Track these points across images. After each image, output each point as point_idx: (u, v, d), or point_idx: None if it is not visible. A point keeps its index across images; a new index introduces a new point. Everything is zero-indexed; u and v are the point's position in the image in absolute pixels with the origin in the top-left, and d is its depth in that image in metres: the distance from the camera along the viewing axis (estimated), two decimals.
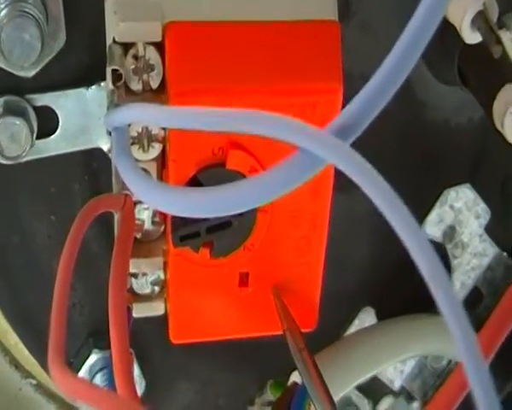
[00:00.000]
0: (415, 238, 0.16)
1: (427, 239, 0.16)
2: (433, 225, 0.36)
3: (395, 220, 0.16)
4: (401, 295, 0.38)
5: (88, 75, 0.29)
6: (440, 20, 0.17)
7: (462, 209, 0.36)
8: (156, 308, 0.31)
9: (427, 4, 0.16)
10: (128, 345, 0.23)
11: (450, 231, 0.36)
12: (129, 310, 0.29)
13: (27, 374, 0.36)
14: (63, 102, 0.29)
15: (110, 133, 0.25)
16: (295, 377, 0.32)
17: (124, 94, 0.25)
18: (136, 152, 0.27)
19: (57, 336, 0.21)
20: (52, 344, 0.21)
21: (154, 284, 0.30)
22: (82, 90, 0.29)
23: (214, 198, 0.18)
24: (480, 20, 0.27)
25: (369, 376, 0.34)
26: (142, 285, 0.30)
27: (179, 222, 0.26)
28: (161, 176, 0.28)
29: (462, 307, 0.16)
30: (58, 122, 0.29)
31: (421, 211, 0.36)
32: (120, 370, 0.22)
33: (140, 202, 0.28)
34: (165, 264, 0.29)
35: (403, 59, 0.16)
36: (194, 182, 0.26)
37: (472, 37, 0.28)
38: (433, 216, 0.36)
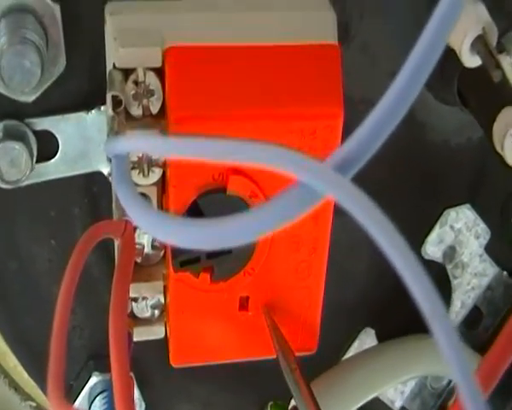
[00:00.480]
0: (416, 279, 0.15)
1: (427, 277, 0.16)
2: (434, 246, 0.36)
3: (397, 261, 0.16)
4: (401, 315, 0.38)
5: (88, 99, 0.29)
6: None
7: (463, 230, 0.36)
8: (156, 332, 0.30)
9: (427, 39, 0.16)
10: (128, 369, 0.23)
11: (451, 252, 0.36)
12: (129, 335, 0.29)
13: (27, 397, 0.36)
14: (63, 127, 0.29)
15: (110, 159, 0.25)
16: None
17: (124, 119, 0.25)
18: (137, 177, 0.27)
19: (56, 366, 0.21)
20: (51, 375, 0.21)
21: (154, 307, 0.30)
22: (82, 114, 0.29)
23: (214, 231, 0.18)
24: (480, 44, 0.27)
25: (370, 398, 0.34)
26: (143, 309, 0.30)
27: (179, 248, 0.26)
28: (161, 200, 0.28)
29: (460, 345, 0.16)
30: (58, 146, 0.29)
31: (421, 231, 0.36)
32: (121, 394, 0.22)
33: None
34: (166, 288, 0.29)
35: (405, 90, 0.16)
36: (195, 207, 0.26)
37: (471, 60, 0.28)
38: (433, 236, 0.36)
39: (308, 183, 0.17)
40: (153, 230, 0.19)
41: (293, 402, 0.32)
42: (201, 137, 0.19)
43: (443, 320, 0.16)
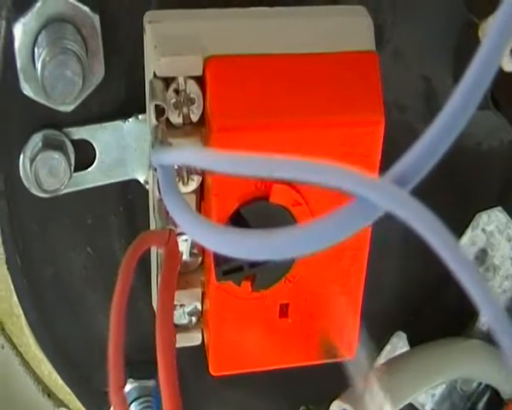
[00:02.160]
0: (483, 295, 0.16)
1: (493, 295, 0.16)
2: (466, 249, 0.36)
3: (461, 275, 0.16)
4: (432, 318, 0.38)
5: (125, 108, 0.29)
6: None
7: (494, 232, 0.36)
8: (193, 339, 0.30)
9: (485, 54, 0.16)
10: (176, 377, 0.23)
11: (482, 255, 0.36)
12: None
13: (60, 403, 0.36)
14: (100, 135, 0.29)
15: (152, 168, 0.25)
16: (335, 407, 0.32)
17: (165, 128, 0.25)
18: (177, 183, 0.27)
19: (116, 372, 0.21)
20: (112, 382, 0.21)
21: (191, 314, 0.30)
22: (119, 122, 0.29)
23: (269, 243, 0.18)
24: None
25: (404, 404, 0.34)
26: (180, 316, 0.30)
27: (223, 257, 0.26)
28: (199, 208, 0.28)
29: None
30: (95, 155, 0.29)
31: (453, 234, 0.36)
32: (169, 401, 0.22)
33: (179, 234, 0.28)
34: (204, 295, 0.29)
35: (464, 106, 0.16)
36: (237, 216, 0.26)
37: (510, 65, 0.28)
38: (465, 240, 0.36)
39: (367, 198, 0.17)
40: (205, 240, 0.19)
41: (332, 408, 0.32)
42: (250, 155, 0.19)
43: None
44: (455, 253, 0.16)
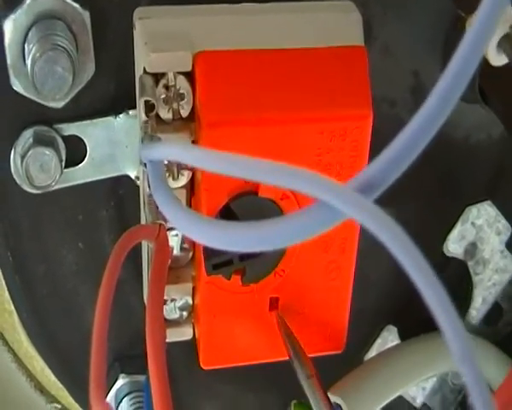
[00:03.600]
0: (438, 301, 0.16)
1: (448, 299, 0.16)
2: (455, 243, 0.36)
3: (419, 281, 0.16)
4: (423, 311, 0.38)
5: (115, 104, 0.29)
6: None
7: (484, 226, 0.36)
8: (184, 333, 0.31)
9: (459, 62, 0.16)
10: (166, 372, 0.23)
11: (472, 248, 0.37)
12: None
13: (52, 399, 0.36)
14: (91, 131, 0.29)
15: (143, 163, 0.25)
16: None
17: (155, 123, 0.25)
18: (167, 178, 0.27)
19: (98, 367, 0.21)
20: (93, 376, 0.21)
21: (182, 309, 0.30)
22: (110, 118, 0.29)
23: (258, 234, 0.18)
24: (507, 43, 0.27)
25: (394, 397, 0.34)
26: (171, 311, 0.30)
27: (212, 250, 0.26)
28: (190, 203, 0.28)
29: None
30: (86, 151, 0.29)
31: (443, 229, 0.36)
32: (160, 397, 0.23)
33: (169, 229, 0.28)
34: (194, 289, 0.29)
35: (434, 114, 0.16)
36: (227, 210, 0.26)
37: (498, 59, 0.28)
38: (454, 234, 0.36)
39: (332, 204, 0.17)
40: (194, 233, 0.20)
41: None
42: (234, 155, 0.19)
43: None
44: (417, 265, 0.16)
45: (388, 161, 0.17)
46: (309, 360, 0.29)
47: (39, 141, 0.28)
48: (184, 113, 0.26)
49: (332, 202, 0.17)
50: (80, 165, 0.29)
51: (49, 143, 0.28)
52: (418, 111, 0.17)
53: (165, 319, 0.31)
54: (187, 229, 0.20)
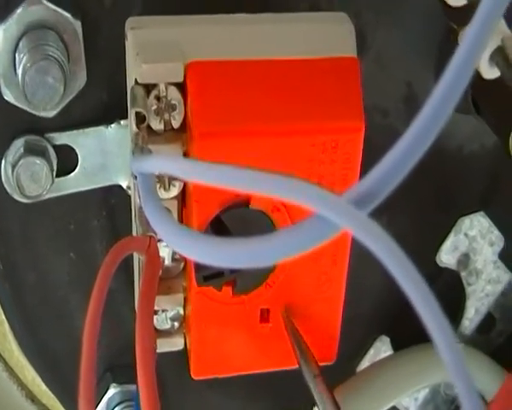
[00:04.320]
0: (430, 313, 0.16)
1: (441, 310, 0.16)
2: (448, 253, 0.36)
3: (412, 294, 0.16)
4: (416, 322, 0.38)
5: (107, 114, 0.29)
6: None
7: (477, 237, 0.36)
8: (176, 343, 0.30)
9: (451, 76, 0.16)
10: (155, 384, 0.23)
11: (465, 259, 0.37)
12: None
13: (44, 408, 0.36)
14: (82, 141, 0.29)
15: (134, 175, 0.25)
16: None
17: (146, 134, 0.25)
18: (158, 190, 0.27)
19: (87, 379, 0.21)
20: (82, 387, 0.21)
21: (173, 319, 0.30)
22: (101, 128, 0.29)
23: (245, 251, 0.18)
24: (499, 56, 0.27)
25: (387, 407, 0.34)
26: (162, 321, 0.30)
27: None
28: (181, 214, 0.28)
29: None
30: (77, 160, 0.29)
31: (435, 239, 0.36)
32: (148, 408, 0.22)
33: (160, 240, 0.28)
34: (185, 300, 0.29)
35: (428, 126, 0.16)
36: (218, 222, 0.26)
37: (490, 72, 0.28)
38: (447, 244, 0.36)
39: (326, 216, 0.17)
40: (184, 248, 0.19)
41: None
42: (226, 165, 0.19)
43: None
44: (410, 278, 0.16)
45: (383, 174, 0.17)
46: (315, 360, 0.29)
47: (30, 150, 0.28)
48: (176, 124, 0.26)
49: (326, 214, 0.17)
50: (72, 174, 0.29)
51: (40, 152, 0.28)
52: (412, 123, 0.17)
53: (157, 330, 0.31)
54: (177, 244, 0.20)
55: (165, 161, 0.22)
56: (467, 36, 0.16)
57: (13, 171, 0.28)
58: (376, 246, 0.16)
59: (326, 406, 0.29)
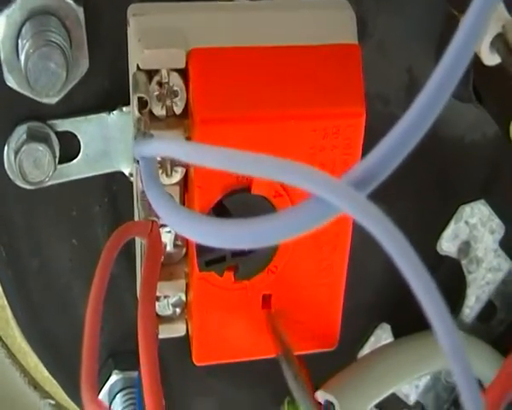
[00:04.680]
0: (429, 296, 0.16)
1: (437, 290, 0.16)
2: (449, 241, 0.36)
3: (411, 276, 0.16)
4: (416, 309, 0.38)
5: (109, 100, 0.29)
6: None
7: (477, 225, 0.36)
8: (178, 329, 0.31)
9: (451, 57, 0.16)
10: (158, 369, 0.23)
11: (466, 247, 0.37)
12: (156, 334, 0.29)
13: (46, 394, 0.36)
14: (85, 128, 0.29)
15: (135, 160, 0.25)
16: (318, 397, 0.32)
17: (148, 120, 0.26)
18: (160, 176, 0.27)
19: (89, 364, 0.21)
20: (84, 373, 0.21)
21: (175, 305, 0.30)
22: (103, 115, 0.29)
23: (249, 231, 0.18)
24: (500, 42, 0.27)
25: (387, 394, 0.34)
26: (164, 307, 0.30)
27: (205, 247, 0.26)
28: (183, 199, 0.28)
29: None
30: (80, 147, 0.29)
31: (436, 227, 0.36)
32: (151, 394, 0.23)
33: (162, 226, 0.28)
34: (187, 286, 0.30)
35: (427, 109, 0.17)
36: (220, 207, 0.26)
37: (491, 58, 0.28)
38: (448, 232, 0.36)
39: (326, 198, 0.17)
40: (186, 230, 0.20)
41: None
42: (227, 149, 0.19)
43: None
44: (409, 260, 0.17)
45: (381, 156, 0.17)
46: (297, 360, 0.29)
47: (33, 137, 0.28)
48: (178, 110, 0.26)
49: (325, 196, 0.17)
50: (74, 161, 0.29)
51: (42, 138, 0.28)
52: (411, 106, 0.17)
53: (159, 316, 0.31)
54: (179, 226, 0.20)
55: (168, 143, 0.22)
56: (465, 20, 0.17)
57: (15, 157, 0.28)
58: (375, 227, 0.17)
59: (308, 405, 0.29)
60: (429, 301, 0.16)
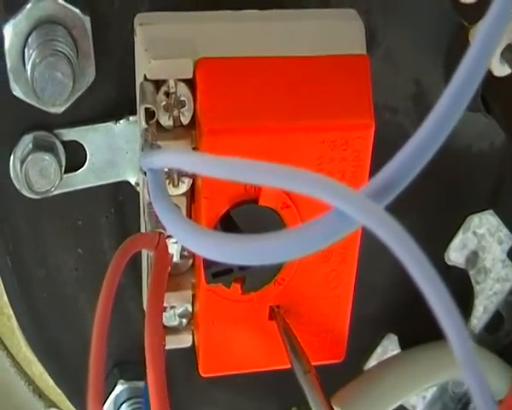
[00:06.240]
0: (448, 313, 0.16)
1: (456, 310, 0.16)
2: (457, 251, 0.36)
3: (428, 291, 0.16)
4: (423, 320, 0.38)
5: (116, 110, 0.29)
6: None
7: (485, 235, 0.36)
8: (184, 340, 0.30)
9: (468, 67, 0.16)
10: (165, 381, 0.23)
11: (474, 257, 0.37)
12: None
13: (51, 403, 0.36)
14: (91, 137, 0.29)
15: (143, 171, 0.25)
16: None
17: (155, 131, 0.25)
18: (167, 187, 0.27)
19: (96, 375, 0.21)
20: (91, 383, 0.21)
21: (181, 316, 0.30)
22: (110, 124, 0.29)
23: (256, 248, 0.18)
24: (509, 53, 0.27)
25: (395, 406, 0.34)
26: (171, 318, 0.30)
27: (212, 260, 0.26)
28: (190, 210, 0.28)
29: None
30: (86, 156, 0.29)
31: (444, 237, 0.36)
32: (157, 405, 0.22)
33: (169, 237, 0.28)
34: (194, 297, 0.29)
35: (445, 119, 0.16)
36: (227, 218, 0.26)
37: (500, 69, 0.28)
38: (456, 242, 0.36)
39: (343, 210, 0.17)
40: (194, 245, 0.19)
41: None
42: (237, 159, 0.19)
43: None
44: (426, 272, 0.16)
45: (399, 167, 0.17)
46: (307, 357, 0.29)
47: (39, 146, 0.28)
48: (185, 120, 0.26)
49: (342, 208, 0.17)
50: (80, 170, 0.29)
51: (48, 148, 0.28)
52: (428, 117, 0.17)
53: (165, 326, 0.31)
54: (186, 241, 0.20)
55: (176, 155, 0.22)
56: (479, 35, 0.16)
57: (21, 167, 0.28)
58: (392, 240, 0.16)
59: (317, 402, 0.29)
60: (443, 309, 0.16)
